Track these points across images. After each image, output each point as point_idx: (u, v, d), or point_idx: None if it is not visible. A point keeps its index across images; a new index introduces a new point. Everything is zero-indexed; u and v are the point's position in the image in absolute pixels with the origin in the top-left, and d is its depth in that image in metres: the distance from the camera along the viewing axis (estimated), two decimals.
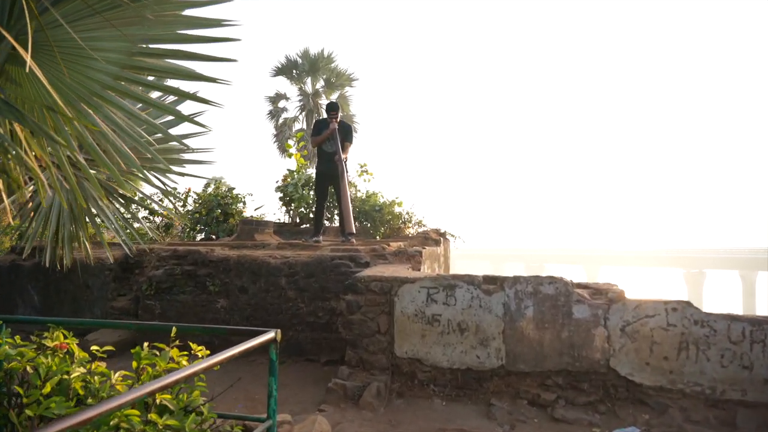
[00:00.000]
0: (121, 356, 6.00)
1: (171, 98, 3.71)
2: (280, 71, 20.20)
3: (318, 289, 5.50)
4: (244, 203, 8.58)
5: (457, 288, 4.25)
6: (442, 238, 7.17)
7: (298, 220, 8.60)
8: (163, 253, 6.14)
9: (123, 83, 2.43)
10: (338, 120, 6.28)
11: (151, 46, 2.40)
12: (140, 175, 3.60)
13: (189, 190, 9.16)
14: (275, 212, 9.31)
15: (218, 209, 8.22)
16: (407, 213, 8.01)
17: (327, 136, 6.17)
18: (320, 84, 20.37)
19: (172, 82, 3.17)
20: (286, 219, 8.74)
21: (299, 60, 20.14)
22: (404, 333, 4.33)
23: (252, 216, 8.95)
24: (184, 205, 9.06)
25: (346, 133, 6.30)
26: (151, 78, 2.52)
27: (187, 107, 9.44)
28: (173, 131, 3.90)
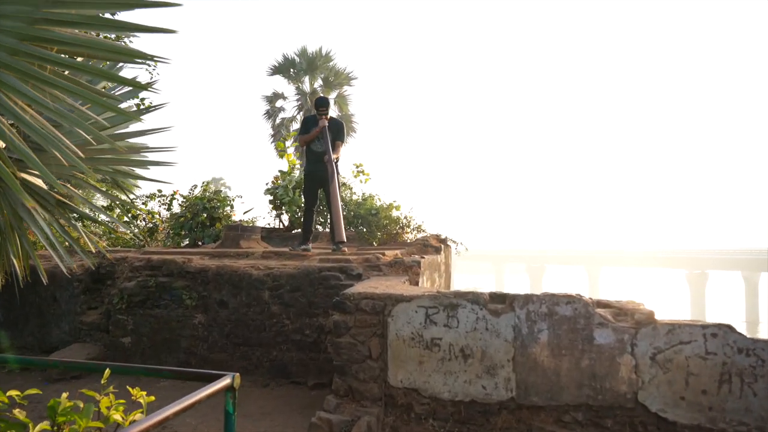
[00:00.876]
0: (89, 377, 5.44)
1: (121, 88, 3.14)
2: (277, 70, 19.65)
3: (305, 304, 4.92)
4: (232, 206, 8.00)
5: (459, 308, 3.67)
6: (442, 245, 6.59)
7: (288, 225, 8.02)
8: (137, 263, 5.57)
9: (26, 60, 1.85)
10: (328, 117, 5.70)
11: (60, 11, 1.82)
12: (84, 176, 3.03)
13: (176, 192, 8.59)
14: (264, 216, 8.72)
15: (203, 213, 7.64)
16: (405, 217, 7.44)
17: (316, 135, 5.60)
18: (318, 83, 19.82)
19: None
20: (276, 224, 8.17)
21: (297, 58, 19.60)
22: (399, 359, 3.75)
23: (241, 220, 8.38)
24: (169, 209, 8.48)
25: (337, 131, 5.74)
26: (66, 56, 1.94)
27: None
28: (124, 129, 3.34)
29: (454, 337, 3.66)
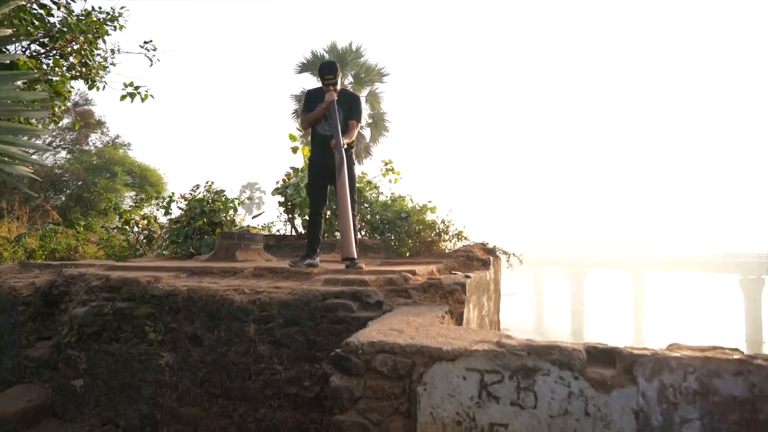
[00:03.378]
0: (31, 428, 4.13)
1: None
2: (305, 67, 18.41)
3: (303, 344, 3.46)
4: (235, 209, 6.63)
5: (538, 375, 2.13)
6: (491, 257, 5.03)
7: (301, 232, 6.60)
8: (94, 282, 4.22)
9: None
10: (339, 89, 4.24)
11: None
12: None
13: (178, 195, 7.29)
14: (274, 221, 7.31)
15: (201, 217, 6.28)
16: (443, 222, 5.90)
17: (322, 113, 4.16)
18: (348, 80, 18.47)
19: None
20: (288, 230, 6.77)
21: (326, 55, 18.32)
22: None
23: (249, 227, 7.00)
24: (167, 213, 7.18)
25: (350, 106, 4.29)
26: None
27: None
28: None
29: (529, 424, 2.13)
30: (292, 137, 6.87)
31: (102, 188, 18.11)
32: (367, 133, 18.88)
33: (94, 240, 8.23)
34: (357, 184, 6.55)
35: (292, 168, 6.71)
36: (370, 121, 18.99)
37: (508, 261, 5.57)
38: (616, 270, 50.94)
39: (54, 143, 19.94)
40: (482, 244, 5.46)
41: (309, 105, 4.27)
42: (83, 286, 4.25)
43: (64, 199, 19.40)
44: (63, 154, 21.52)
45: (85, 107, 20.00)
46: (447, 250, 5.90)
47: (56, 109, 7.62)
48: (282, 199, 6.54)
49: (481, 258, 4.90)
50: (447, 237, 5.89)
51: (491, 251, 5.37)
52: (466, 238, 5.78)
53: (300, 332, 3.47)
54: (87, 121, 20.16)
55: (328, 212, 6.03)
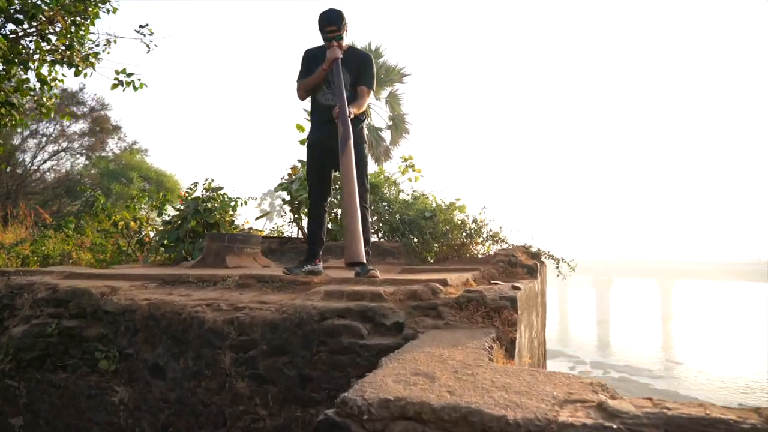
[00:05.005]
0: None
1: None
2: None
3: (295, 380, 2.50)
4: (234, 208, 5.72)
5: None
6: (537, 263, 4.02)
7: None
8: (41, 293, 3.33)
9: None
10: (344, 45, 3.30)
11: None
12: None
13: (171, 193, 6.42)
14: (283, 225, 6.38)
15: (194, 218, 5.39)
16: (475, 221, 4.91)
17: (323, 76, 3.23)
18: None
19: None
20: (294, 232, 5.84)
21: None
22: None
23: (251, 229, 6.09)
24: (160, 214, 6.32)
25: (360, 68, 3.30)
26: None
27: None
28: None
29: None
30: (299, 127, 5.96)
31: (117, 194, 17.53)
32: (387, 135, 17.96)
33: (89, 244, 7.43)
34: (373, 180, 5.59)
35: (299, 161, 5.79)
36: (390, 123, 18.07)
37: (557, 268, 4.55)
38: (643, 278, 49.00)
39: (69, 148, 19.46)
40: (525, 247, 4.45)
41: (308, 67, 3.31)
42: (28, 298, 3.36)
43: (79, 205, 18.88)
44: (82, 160, 21.09)
45: (101, 112, 19.51)
46: (480, 255, 4.90)
47: (44, 99, 6.85)
48: (287, 196, 5.62)
49: (525, 264, 3.89)
50: (479, 240, 4.89)
51: (536, 256, 4.35)
52: (503, 240, 4.77)
53: (290, 364, 2.50)
54: (103, 126, 19.67)
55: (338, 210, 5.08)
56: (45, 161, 18.95)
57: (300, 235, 5.71)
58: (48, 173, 19.66)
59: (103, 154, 20.48)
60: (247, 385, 2.57)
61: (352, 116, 3.03)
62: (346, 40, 3.33)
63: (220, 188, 5.78)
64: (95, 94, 21.11)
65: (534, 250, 4.47)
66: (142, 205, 6.53)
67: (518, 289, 2.89)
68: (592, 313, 48.16)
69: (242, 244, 4.36)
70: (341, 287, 2.77)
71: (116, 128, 20.34)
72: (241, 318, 2.63)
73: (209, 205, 5.53)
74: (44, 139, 18.70)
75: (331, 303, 2.58)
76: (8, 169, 17.05)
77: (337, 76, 3.09)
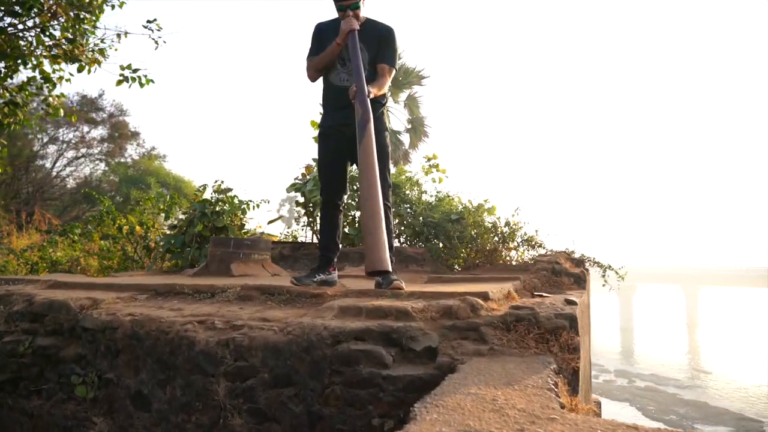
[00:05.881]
0: None
1: None
2: None
3: (302, 418, 2.00)
4: (243, 212, 5.27)
5: None
6: (583, 271, 3.48)
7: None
8: (17, 306, 2.90)
9: None
10: (361, 16, 2.83)
11: None
12: None
13: (180, 197, 6.03)
14: (302, 228, 5.91)
15: (201, 221, 4.95)
16: (508, 224, 4.38)
17: (337, 51, 2.74)
18: None
19: None
20: (308, 236, 5.38)
21: None
22: None
23: (263, 233, 5.65)
24: (167, 217, 5.92)
25: (380, 43, 2.79)
26: None
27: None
28: None
29: None
30: (314, 124, 5.50)
31: (135, 199, 17.35)
32: (405, 139, 17.48)
33: (97, 250, 7.08)
34: (394, 179, 5.09)
35: (314, 160, 5.32)
36: (409, 126, 17.59)
37: (603, 276, 3.99)
38: (667, 284, 47.54)
39: (89, 154, 19.37)
40: (566, 252, 3.91)
41: (319, 43, 2.84)
42: (3, 311, 2.93)
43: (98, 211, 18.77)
44: (101, 166, 21.01)
45: (120, 118, 19.40)
46: (513, 262, 4.37)
47: (51, 98, 6.51)
48: (300, 198, 5.15)
49: (571, 272, 3.35)
50: (512, 244, 4.37)
51: (580, 263, 3.81)
52: (540, 245, 4.23)
53: (297, 398, 2.02)
54: (122, 132, 19.55)
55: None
56: (64, 167, 18.86)
57: (314, 240, 5.24)
58: (68, 179, 19.59)
59: (122, 159, 20.38)
60: (245, 423, 2.08)
61: (371, 96, 2.54)
62: (364, 13, 2.84)
63: (229, 190, 5.34)
64: (114, 100, 21.06)
65: (577, 256, 3.93)
66: (149, 208, 6.12)
67: (574, 304, 2.36)
68: (615, 320, 46.90)
69: (249, 249, 3.90)
70: (359, 301, 2.27)
71: (135, 134, 20.22)
72: (238, 339, 2.15)
73: (217, 208, 5.09)
74: (64, 146, 18.63)
75: (347, 322, 2.08)
76: (27, 175, 16.97)
77: (354, 51, 2.60)
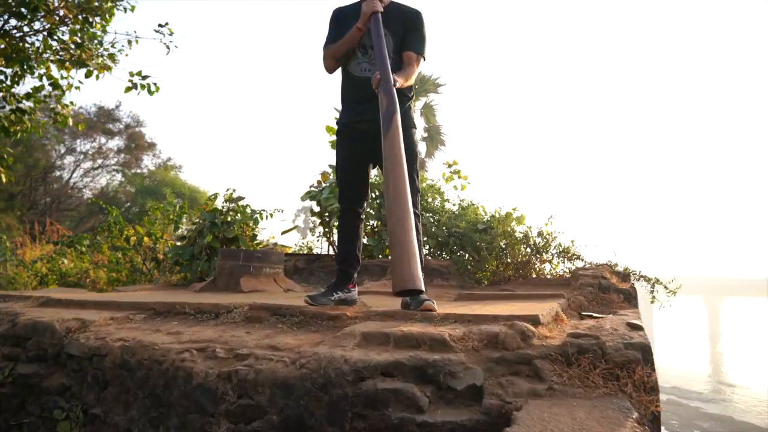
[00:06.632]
0: None
1: None
2: None
3: None
4: (256, 221, 4.95)
5: None
6: (633, 286, 3.09)
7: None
8: (1, 327, 2.59)
9: None
10: (385, 1, 2.44)
11: None
12: None
13: (189, 206, 5.75)
14: (317, 239, 5.58)
15: (211, 231, 4.63)
16: (540, 234, 3.99)
17: (358, 36, 2.39)
18: None
19: None
20: (324, 247, 5.04)
21: None
22: None
23: (276, 245, 5.32)
24: (176, 228, 5.63)
25: (407, 27, 2.44)
26: None
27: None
28: None
29: None
30: (330, 129, 5.18)
31: (148, 209, 17.25)
32: (422, 147, 17.14)
33: (106, 261, 6.82)
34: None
35: (330, 166, 5.00)
36: (425, 135, 17.28)
37: (652, 292, 3.58)
38: (688, 295, 46.51)
39: (105, 165, 19.34)
40: (609, 265, 3.51)
41: (337, 30, 2.50)
42: None
43: None
44: (118, 177, 20.98)
45: (137, 129, 19.36)
46: (548, 275, 3.99)
47: (59, 106, 6.29)
48: (315, 207, 4.82)
49: (620, 288, 2.96)
50: (547, 256, 3.98)
51: (626, 277, 3.41)
52: (578, 257, 3.83)
53: None
54: (138, 143, 19.51)
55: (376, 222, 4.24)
56: (81, 178, 18.83)
57: (331, 251, 4.90)
58: (84, 190, 19.57)
59: (138, 170, 20.32)
60: None
61: (397, 86, 2.20)
62: None
63: (241, 198, 5.03)
64: (131, 111, 21.06)
65: (620, 269, 3.53)
66: (159, 218, 5.84)
67: (640, 329, 1.99)
68: None
69: (260, 263, 3.57)
70: (385, 327, 1.91)
71: (151, 145, 20.18)
72: (243, 372, 1.80)
73: (228, 218, 4.78)
74: (81, 156, 18.61)
75: (372, 353, 1.72)
76: (45, 186, 16.94)
77: (377, 35, 2.26)
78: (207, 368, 1.89)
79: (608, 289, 2.92)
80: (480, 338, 1.76)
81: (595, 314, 2.46)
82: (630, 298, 2.90)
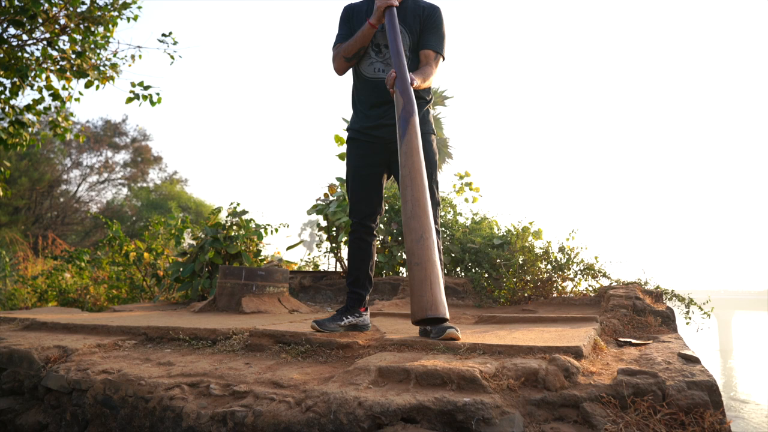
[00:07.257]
0: None
1: None
2: None
3: None
4: (260, 236, 4.71)
5: None
6: (669, 308, 2.82)
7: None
8: None
9: None
10: None
11: None
12: None
13: (192, 221, 5.54)
14: (325, 256, 5.33)
15: (213, 247, 4.40)
16: (561, 250, 3.73)
17: (369, 35, 2.16)
18: None
19: None
20: (331, 264, 4.80)
21: None
22: None
23: (281, 261, 5.08)
24: (178, 243, 5.40)
25: (425, 24, 2.20)
26: None
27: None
28: None
29: None
30: (338, 139, 4.97)
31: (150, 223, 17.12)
32: None
33: (105, 277, 6.60)
34: None
35: (338, 179, 4.77)
36: None
37: (687, 315, 3.30)
38: (697, 309, 45.69)
39: (111, 179, 19.23)
40: (639, 283, 3.24)
41: (349, 28, 2.27)
42: None
43: None
44: (124, 191, 20.89)
45: (143, 143, 19.28)
46: (570, 293, 3.71)
47: (59, 117, 6.12)
48: (322, 221, 4.58)
49: (656, 310, 2.69)
50: (569, 274, 3.71)
51: (659, 297, 3.14)
52: (604, 275, 3.56)
53: None
54: (144, 157, 19.42)
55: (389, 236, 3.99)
56: (87, 192, 18.72)
57: (338, 268, 4.65)
58: (90, 204, 19.46)
59: (144, 184, 20.21)
60: None
61: (414, 86, 1.97)
62: None
63: (245, 212, 4.80)
64: (137, 125, 21.00)
65: (651, 287, 3.26)
66: (161, 233, 5.62)
67: (696, 362, 1.73)
68: None
69: (264, 281, 3.32)
70: (404, 360, 1.66)
71: (157, 159, 20.09)
72: (240, 414, 1.55)
73: (231, 233, 4.55)
74: (87, 170, 18.52)
75: (391, 394, 1.47)
76: (50, 200, 16.82)
77: (392, 31, 2.04)
78: (199, 408, 1.64)
79: (644, 312, 2.66)
80: (516, 375, 1.50)
81: (633, 340, 2.19)
82: (668, 321, 2.63)
